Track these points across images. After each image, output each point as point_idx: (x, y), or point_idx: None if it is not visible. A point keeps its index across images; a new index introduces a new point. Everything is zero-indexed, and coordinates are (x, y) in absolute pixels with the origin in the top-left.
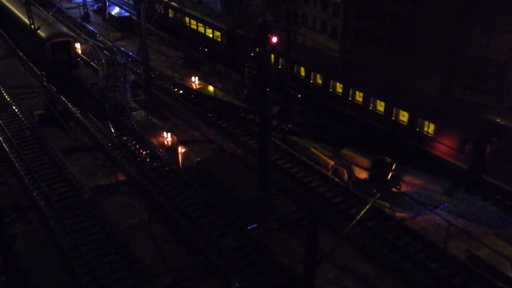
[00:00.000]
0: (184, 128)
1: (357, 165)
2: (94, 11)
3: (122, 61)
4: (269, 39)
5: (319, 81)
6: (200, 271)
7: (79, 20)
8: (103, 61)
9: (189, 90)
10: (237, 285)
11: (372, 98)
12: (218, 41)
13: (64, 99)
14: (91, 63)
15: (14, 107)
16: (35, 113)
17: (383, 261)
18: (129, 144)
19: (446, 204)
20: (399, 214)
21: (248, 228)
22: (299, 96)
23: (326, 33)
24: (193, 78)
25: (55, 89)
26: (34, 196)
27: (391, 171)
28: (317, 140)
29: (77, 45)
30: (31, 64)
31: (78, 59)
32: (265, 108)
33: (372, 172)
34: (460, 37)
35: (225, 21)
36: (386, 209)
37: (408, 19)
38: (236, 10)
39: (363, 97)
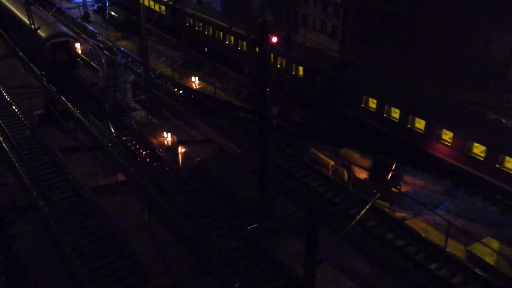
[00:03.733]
0: (184, 128)
1: (357, 165)
2: (94, 11)
3: (122, 61)
4: (269, 39)
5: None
6: (200, 271)
7: (79, 20)
8: (103, 61)
9: (189, 90)
10: (237, 285)
11: None
12: (162, 14)
13: (64, 99)
14: (91, 63)
15: (14, 107)
16: (35, 113)
17: (383, 261)
18: (129, 144)
19: (446, 204)
20: (399, 214)
21: (248, 228)
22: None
23: (326, 33)
24: (193, 78)
25: (55, 89)
26: (34, 196)
27: (391, 171)
28: (317, 140)
29: (77, 45)
30: (31, 64)
31: (78, 59)
32: (265, 108)
33: (372, 172)
34: (460, 37)
35: None
36: (386, 209)
37: (408, 19)
38: (236, 10)
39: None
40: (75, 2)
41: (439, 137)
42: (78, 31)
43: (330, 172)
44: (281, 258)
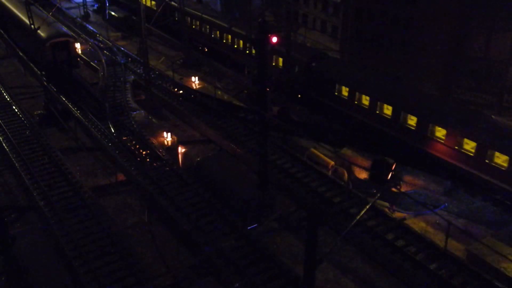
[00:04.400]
0: (184, 128)
1: (357, 165)
2: (94, 11)
3: (122, 61)
4: (269, 39)
5: None
6: (200, 271)
7: (79, 20)
8: (103, 61)
9: (189, 90)
10: (237, 285)
11: None
12: (155, 9)
13: (64, 99)
14: (91, 63)
15: (14, 107)
16: (35, 113)
17: (383, 261)
18: (129, 144)
19: (446, 204)
20: (399, 214)
21: (248, 228)
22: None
23: (326, 33)
24: (193, 78)
25: (55, 89)
26: (34, 196)
27: (391, 171)
28: (317, 140)
29: (77, 45)
30: (31, 64)
31: (78, 59)
32: (265, 108)
33: (372, 172)
34: (460, 37)
35: None
36: (386, 209)
37: (408, 19)
38: (236, 10)
39: None
40: (75, 2)
41: (405, 122)
42: (78, 31)
43: (330, 172)
44: (281, 258)
